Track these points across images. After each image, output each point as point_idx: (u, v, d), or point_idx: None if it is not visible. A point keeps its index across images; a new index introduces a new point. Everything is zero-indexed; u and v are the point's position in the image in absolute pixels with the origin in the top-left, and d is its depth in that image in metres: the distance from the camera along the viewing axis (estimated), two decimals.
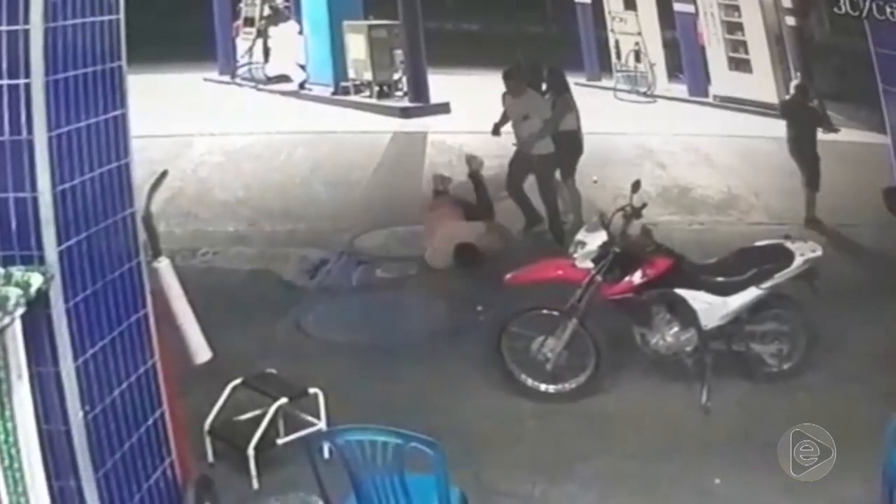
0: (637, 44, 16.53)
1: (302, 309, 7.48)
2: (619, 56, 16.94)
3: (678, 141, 12.99)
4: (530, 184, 8.97)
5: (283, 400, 5.16)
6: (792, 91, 10.08)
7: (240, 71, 17.92)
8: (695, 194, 10.55)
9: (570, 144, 9.08)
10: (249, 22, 17.81)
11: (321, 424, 5.17)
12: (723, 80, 15.50)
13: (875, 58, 4.81)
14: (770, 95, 14.21)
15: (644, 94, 16.38)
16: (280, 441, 5.19)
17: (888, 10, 4.60)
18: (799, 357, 5.97)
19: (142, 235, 4.12)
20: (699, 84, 15.96)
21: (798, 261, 5.92)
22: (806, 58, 14.63)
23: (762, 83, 14.61)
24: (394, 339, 6.89)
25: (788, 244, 6.06)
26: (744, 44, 15.07)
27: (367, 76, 15.92)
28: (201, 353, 4.57)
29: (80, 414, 3.53)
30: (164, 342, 4.24)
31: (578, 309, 5.88)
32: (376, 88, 15.84)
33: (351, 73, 16.20)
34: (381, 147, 13.05)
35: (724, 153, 12.32)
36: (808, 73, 14.12)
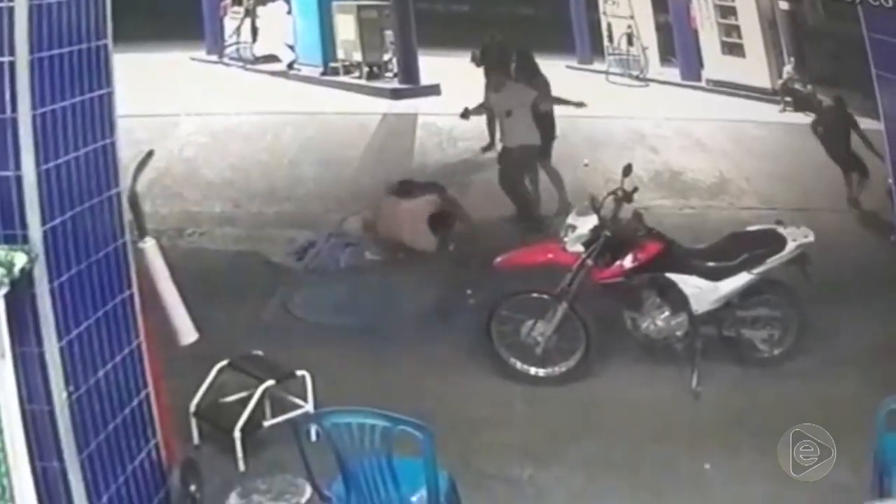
0: (629, 27, 16.46)
1: (289, 291, 7.43)
2: (611, 39, 16.86)
3: (670, 125, 12.96)
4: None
5: (270, 382, 5.13)
6: (827, 104, 9.77)
7: (227, 51, 17.75)
8: (686, 178, 10.53)
9: (544, 127, 8.99)
10: (237, 1, 17.64)
11: (308, 407, 5.14)
12: (716, 64, 15.45)
13: (868, 43, 4.78)
14: (763, 80, 14.19)
15: (636, 77, 16.32)
16: (267, 423, 5.16)
17: None
18: (790, 342, 5.96)
19: (127, 216, 4.08)
20: (692, 68, 15.91)
21: (790, 246, 5.92)
22: (799, 42, 14.60)
23: (755, 68, 14.59)
24: (382, 321, 6.85)
25: (780, 229, 6.05)
26: (737, 28, 15.02)
27: (357, 57, 15.80)
28: (187, 334, 4.54)
29: (64, 394, 3.52)
30: (149, 323, 4.21)
31: (569, 293, 5.86)
32: (366, 69, 15.73)
33: (340, 54, 16.07)
34: (371, 129, 12.97)
35: (717, 138, 12.30)
36: (802, 57, 14.10)
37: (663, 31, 16.60)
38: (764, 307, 5.98)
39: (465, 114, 9.05)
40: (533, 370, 5.94)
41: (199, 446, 5.10)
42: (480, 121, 9.31)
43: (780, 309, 5.97)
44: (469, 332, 6.25)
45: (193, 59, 18.11)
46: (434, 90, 15.09)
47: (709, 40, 15.49)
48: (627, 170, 6.28)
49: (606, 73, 16.72)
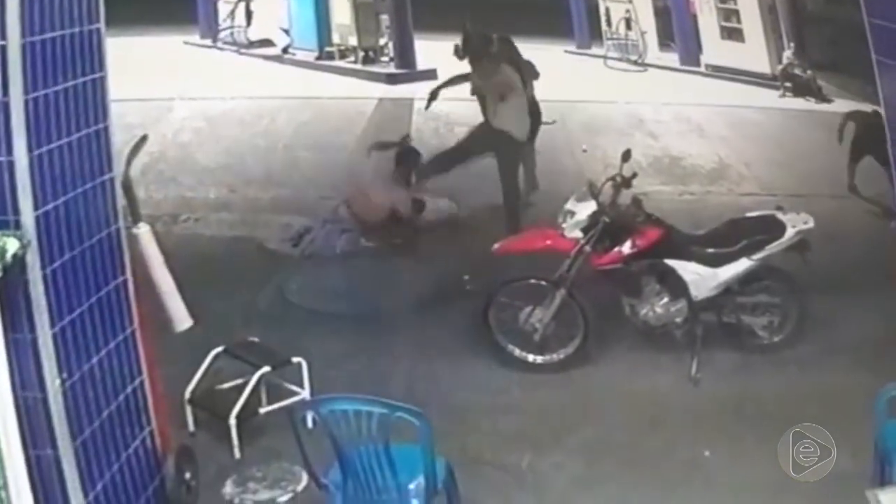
0: (628, 11, 16.37)
1: (285, 277, 7.39)
2: (609, 24, 16.77)
3: (669, 110, 12.90)
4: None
5: (266, 368, 5.10)
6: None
7: (221, 35, 17.64)
8: (686, 164, 10.49)
9: (532, 113, 8.86)
10: None
11: (305, 394, 5.11)
12: (714, 49, 15.38)
13: (868, 28, 4.73)
14: (763, 65, 14.12)
15: (635, 62, 16.25)
16: (262, 410, 5.12)
17: None
18: (790, 329, 5.93)
19: (121, 201, 4.05)
20: (691, 53, 15.83)
21: (790, 232, 5.88)
22: (799, 27, 14.53)
23: (755, 52, 14.51)
24: (379, 308, 6.81)
25: (780, 215, 6.01)
26: (736, 13, 14.93)
27: (353, 41, 15.70)
28: (182, 320, 4.50)
29: (58, 382, 3.49)
30: (143, 310, 4.17)
31: (567, 279, 5.82)
32: (361, 54, 15.63)
33: (336, 38, 15.97)
34: (367, 114, 12.89)
35: (716, 123, 12.25)
36: (802, 42, 14.03)
37: (662, 15, 16.50)
38: (764, 294, 5.95)
39: (434, 95, 8.81)
40: (531, 357, 5.90)
41: (195, 434, 5.07)
42: (477, 106, 9.21)
43: (780, 296, 5.94)
44: (466, 318, 6.21)
45: (187, 43, 18.00)
46: (430, 75, 14.94)
47: (708, 25, 15.40)
48: (626, 155, 6.22)
49: (605, 57, 16.63)
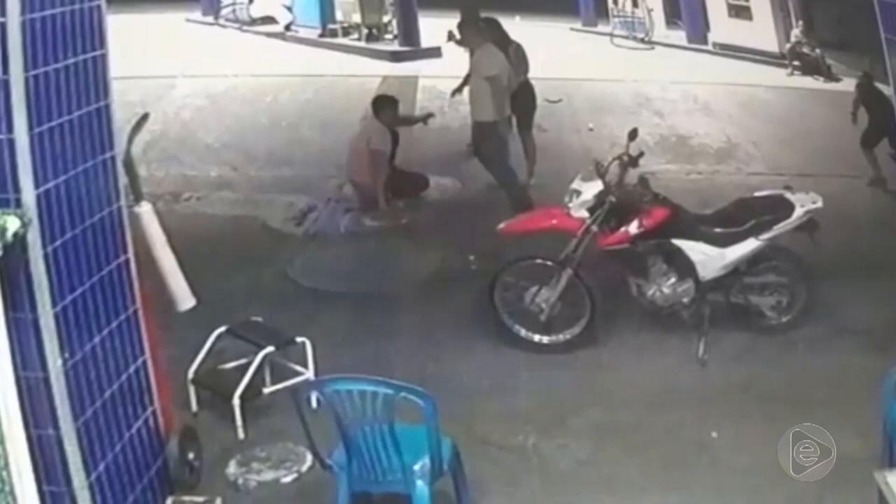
0: None
1: (288, 256, 7.35)
2: (615, 1, 16.65)
3: (676, 89, 12.81)
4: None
5: (270, 348, 5.07)
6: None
7: (223, 11, 17.59)
8: (693, 143, 10.41)
9: (524, 96, 8.77)
10: None
11: (309, 373, 5.08)
12: (722, 27, 15.27)
13: (878, 6, 4.66)
14: (770, 43, 14.00)
15: (642, 40, 16.15)
16: (266, 390, 5.10)
17: None
18: (798, 310, 5.88)
19: (123, 179, 4.01)
20: (698, 31, 15.73)
21: (798, 212, 5.82)
22: (807, 5, 14.40)
23: (762, 31, 14.39)
24: (383, 288, 6.79)
25: (788, 195, 5.95)
26: None
27: (356, 18, 15.62)
28: (185, 300, 4.46)
29: (59, 361, 3.46)
30: (146, 289, 4.13)
31: (573, 259, 5.77)
32: (365, 31, 15.53)
33: (339, 15, 15.89)
34: (370, 91, 12.78)
35: (723, 102, 12.16)
36: (810, 20, 13.90)
37: None
38: (772, 274, 5.90)
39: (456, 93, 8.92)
40: (537, 337, 5.87)
41: (198, 414, 5.05)
42: None
43: (789, 276, 5.89)
44: (472, 298, 6.18)
45: (189, 20, 17.92)
46: (435, 52, 14.89)
47: (715, 2, 15.29)
48: (633, 134, 6.18)
49: (611, 35, 16.54)
